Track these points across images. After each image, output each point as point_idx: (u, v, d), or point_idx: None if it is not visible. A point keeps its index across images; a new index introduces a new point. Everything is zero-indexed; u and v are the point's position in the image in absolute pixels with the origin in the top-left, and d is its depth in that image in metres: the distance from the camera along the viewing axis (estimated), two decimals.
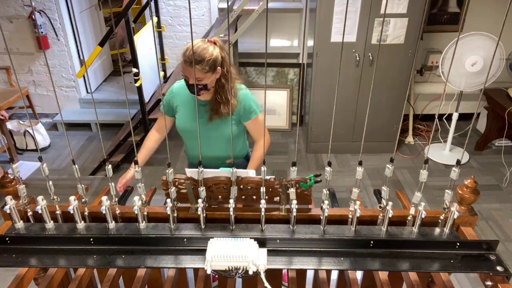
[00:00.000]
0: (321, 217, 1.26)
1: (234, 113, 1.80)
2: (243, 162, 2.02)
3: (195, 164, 1.97)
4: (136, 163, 1.23)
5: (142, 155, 1.94)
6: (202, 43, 1.64)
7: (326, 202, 1.24)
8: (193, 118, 1.82)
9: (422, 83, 4.18)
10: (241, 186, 1.35)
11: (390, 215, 1.24)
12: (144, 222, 1.30)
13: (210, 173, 1.35)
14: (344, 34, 1.19)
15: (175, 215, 1.30)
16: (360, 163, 1.20)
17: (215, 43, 1.67)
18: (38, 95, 4.50)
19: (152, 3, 3.89)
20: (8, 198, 1.25)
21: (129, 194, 1.77)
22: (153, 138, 1.97)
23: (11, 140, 3.80)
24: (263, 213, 1.25)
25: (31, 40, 4.17)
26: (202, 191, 1.26)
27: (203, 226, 1.29)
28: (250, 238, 1.20)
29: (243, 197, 1.39)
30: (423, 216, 1.24)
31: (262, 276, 1.13)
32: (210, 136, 1.84)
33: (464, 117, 4.09)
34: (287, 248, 1.24)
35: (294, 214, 1.26)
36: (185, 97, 1.84)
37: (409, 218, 1.31)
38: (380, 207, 1.31)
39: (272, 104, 4.33)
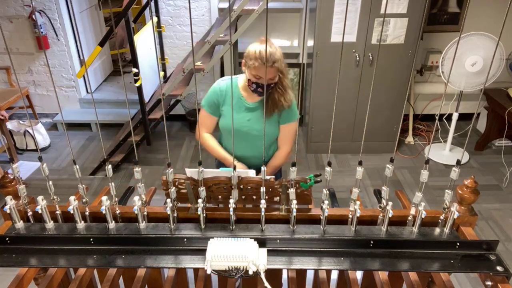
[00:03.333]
0: (321, 217, 1.26)
1: (280, 113, 1.88)
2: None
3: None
4: (136, 163, 1.23)
5: (226, 153, 1.95)
6: (264, 45, 1.71)
7: (326, 202, 1.24)
8: (239, 118, 1.88)
9: (422, 83, 4.18)
10: (241, 186, 1.35)
11: (390, 215, 1.24)
12: (144, 222, 1.30)
13: (210, 173, 1.35)
14: (344, 34, 1.18)
15: (175, 215, 1.30)
16: (360, 163, 1.20)
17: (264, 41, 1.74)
18: (38, 95, 4.50)
19: (152, 3, 3.88)
20: (8, 198, 1.25)
21: (130, 194, 1.77)
22: (211, 137, 1.99)
23: (11, 140, 3.80)
24: (263, 213, 1.25)
25: (31, 40, 4.17)
26: (202, 191, 1.26)
27: (203, 226, 1.29)
28: (250, 238, 1.20)
29: (243, 197, 1.39)
30: (423, 216, 1.24)
31: (262, 276, 1.13)
32: (254, 136, 1.90)
33: (464, 117, 4.09)
34: (287, 248, 1.23)
35: (294, 214, 1.26)
36: (231, 97, 1.88)
37: (409, 218, 1.31)
38: (380, 207, 1.31)
39: None
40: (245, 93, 1.89)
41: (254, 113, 1.90)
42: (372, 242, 1.23)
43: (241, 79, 1.91)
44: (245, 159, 1.95)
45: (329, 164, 1.19)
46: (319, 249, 1.24)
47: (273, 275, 1.43)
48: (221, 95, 1.89)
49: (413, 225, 1.28)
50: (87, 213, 1.32)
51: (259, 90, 1.78)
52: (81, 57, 4.35)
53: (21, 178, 1.27)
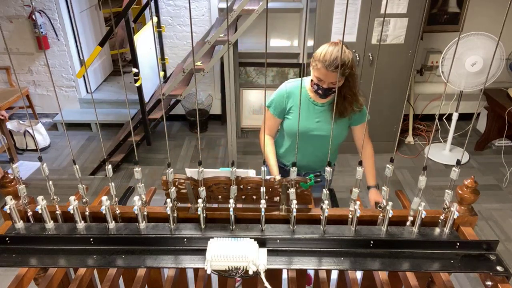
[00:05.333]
0: (321, 217, 1.26)
1: (351, 116, 1.86)
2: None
3: (287, 166, 2.01)
4: (136, 163, 1.23)
5: (275, 164, 1.90)
6: (333, 47, 1.66)
7: (326, 202, 1.24)
8: (308, 120, 1.85)
9: (422, 83, 4.18)
10: (241, 186, 1.35)
11: (390, 215, 1.24)
12: (144, 222, 1.30)
13: (210, 173, 1.35)
14: (344, 34, 1.18)
15: (175, 215, 1.30)
16: (360, 163, 1.20)
17: (337, 44, 1.69)
18: (38, 95, 4.50)
19: (152, 3, 3.88)
20: (8, 198, 1.25)
21: (130, 194, 1.77)
22: (271, 143, 1.97)
23: (11, 140, 3.80)
24: (263, 213, 1.25)
25: (31, 40, 4.17)
26: (202, 191, 1.26)
27: (203, 226, 1.29)
28: (250, 238, 1.20)
29: (243, 197, 1.39)
30: (423, 216, 1.24)
31: (262, 276, 1.13)
32: (322, 137, 1.88)
33: (464, 117, 4.09)
34: (287, 248, 1.24)
35: (294, 214, 1.26)
36: (299, 98, 1.84)
37: (409, 218, 1.31)
38: (380, 207, 1.31)
39: None
40: (313, 94, 1.84)
41: (323, 114, 1.86)
42: (372, 242, 1.23)
43: (308, 81, 1.87)
44: (307, 163, 1.92)
45: (329, 164, 1.19)
46: (319, 249, 1.24)
47: (273, 275, 1.43)
48: (287, 96, 1.86)
49: (413, 225, 1.28)
50: (87, 213, 1.32)
51: (319, 92, 1.74)
52: (81, 57, 4.35)
53: (21, 178, 1.27)
